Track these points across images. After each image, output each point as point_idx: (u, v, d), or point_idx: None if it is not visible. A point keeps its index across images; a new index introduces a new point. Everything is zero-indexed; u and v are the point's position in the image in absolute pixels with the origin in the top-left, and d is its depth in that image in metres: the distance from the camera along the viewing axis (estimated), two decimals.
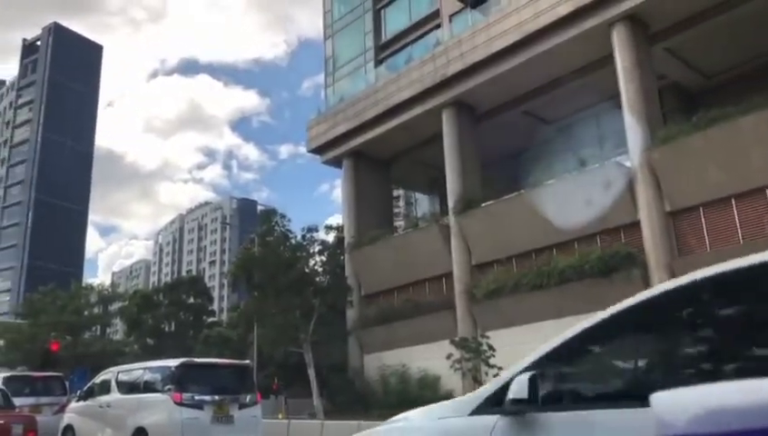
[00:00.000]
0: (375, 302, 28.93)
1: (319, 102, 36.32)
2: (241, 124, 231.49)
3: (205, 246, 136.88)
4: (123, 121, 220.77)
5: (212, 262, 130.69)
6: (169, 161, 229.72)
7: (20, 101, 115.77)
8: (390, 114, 28.69)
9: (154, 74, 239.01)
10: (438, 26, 31.25)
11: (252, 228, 48.51)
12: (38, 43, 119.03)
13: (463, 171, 26.37)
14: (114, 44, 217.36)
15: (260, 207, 50.06)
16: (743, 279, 2.17)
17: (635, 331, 2.52)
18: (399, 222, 39.25)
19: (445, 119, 27.07)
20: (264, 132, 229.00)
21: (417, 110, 27.80)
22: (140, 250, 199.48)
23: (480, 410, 2.76)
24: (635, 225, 20.60)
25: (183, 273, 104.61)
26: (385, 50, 34.45)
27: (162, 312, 45.24)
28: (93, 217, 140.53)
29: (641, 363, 2.50)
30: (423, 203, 47.66)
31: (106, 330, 57.18)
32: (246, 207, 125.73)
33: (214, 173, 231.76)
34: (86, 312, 50.78)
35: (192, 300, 47.54)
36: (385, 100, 28.77)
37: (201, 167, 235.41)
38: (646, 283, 19.01)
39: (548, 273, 21.33)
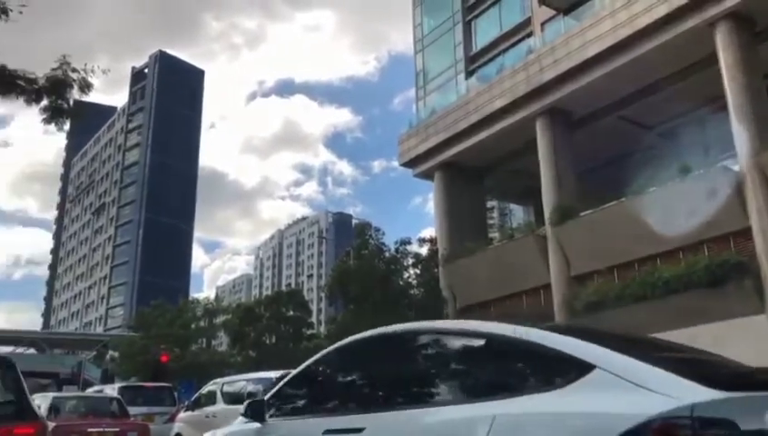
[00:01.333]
0: (471, 315, 28.64)
1: (410, 116, 36.61)
2: (335, 141, 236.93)
3: (303, 260, 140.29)
4: (225, 142, 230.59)
5: (310, 276, 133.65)
6: (268, 179, 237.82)
7: (130, 126, 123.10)
8: (482, 125, 28.47)
9: (253, 96, 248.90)
10: (530, 35, 30.81)
11: (348, 242, 49.25)
12: (145, 70, 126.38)
13: (558, 179, 25.77)
14: (215, 69, 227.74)
15: (354, 221, 50.83)
16: (425, 334, 3.73)
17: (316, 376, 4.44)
18: (494, 234, 38.68)
19: (539, 127, 26.58)
20: (357, 148, 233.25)
21: (509, 119, 27.45)
22: (242, 265, 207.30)
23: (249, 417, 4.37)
24: (746, 232, 19.42)
25: (283, 287, 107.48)
26: (476, 61, 34.29)
27: (263, 325, 46.53)
28: (198, 234, 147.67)
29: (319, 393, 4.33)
30: (518, 214, 46.86)
31: (212, 342, 59.38)
32: (341, 221, 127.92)
33: (310, 189, 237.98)
34: (193, 325, 53.05)
35: (291, 313, 48.64)
36: (477, 111, 28.58)
37: (297, 184, 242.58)
38: (760, 294, 17.86)
39: (652, 284, 20.42)
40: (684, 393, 2.35)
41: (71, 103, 12.89)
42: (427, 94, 35.87)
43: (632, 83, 24.06)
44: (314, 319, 74.78)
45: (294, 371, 4.56)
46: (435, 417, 3.06)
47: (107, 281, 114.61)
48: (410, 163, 33.06)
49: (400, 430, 3.23)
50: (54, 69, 12.36)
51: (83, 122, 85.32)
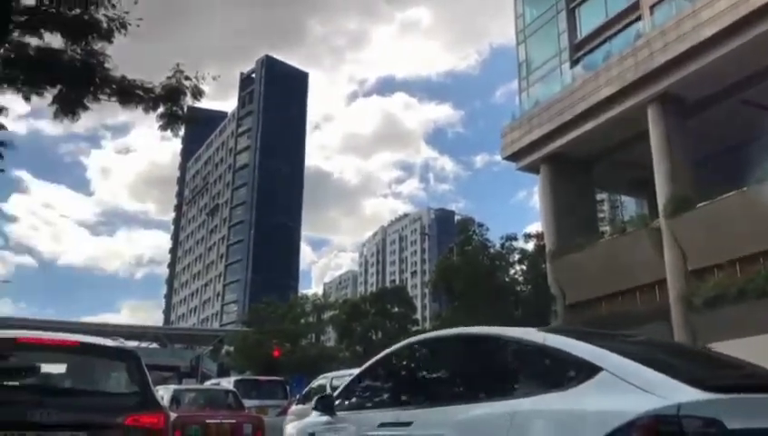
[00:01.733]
0: (581, 312, 27.73)
1: (512, 108, 35.90)
2: (436, 137, 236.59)
3: (406, 257, 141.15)
4: (329, 142, 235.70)
5: (414, 273, 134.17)
6: (370, 177, 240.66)
7: (240, 129, 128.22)
8: (589, 115, 27.52)
9: (354, 96, 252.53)
10: (638, 19, 29.44)
11: (450, 238, 49.02)
12: (253, 75, 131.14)
13: (673, 169, 24.49)
14: (319, 71, 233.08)
15: (457, 217, 50.55)
16: (445, 341, 4.38)
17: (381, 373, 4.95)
18: (605, 228, 37.33)
19: (651, 115, 25.37)
20: (459, 143, 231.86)
21: (618, 108, 26.38)
22: (347, 261, 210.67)
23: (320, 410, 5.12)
24: None
25: (387, 283, 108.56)
26: (581, 49, 33.17)
27: (369, 321, 47.18)
28: (305, 232, 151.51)
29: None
30: (630, 206, 45.01)
31: (320, 337, 60.83)
32: (444, 218, 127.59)
33: (412, 186, 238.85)
34: (303, 321, 54.53)
35: (396, 309, 49.04)
36: (583, 100, 27.66)
37: (399, 181, 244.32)
38: None
39: None
40: (673, 394, 2.66)
41: (185, 109, 13.54)
42: (530, 86, 35.07)
43: (754, 64, 22.50)
44: (419, 315, 75.03)
45: (357, 371, 5.37)
46: (466, 414, 3.49)
47: (222, 278, 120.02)
48: (514, 157, 32.46)
49: (440, 424, 3.65)
50: (168, 78, 13.04)
51: (197, 127, 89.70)
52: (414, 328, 53.26)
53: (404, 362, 4.78)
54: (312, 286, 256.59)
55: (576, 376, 3.08)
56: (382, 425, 4.16)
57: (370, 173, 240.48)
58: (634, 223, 28.94)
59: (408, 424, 3.89)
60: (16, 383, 5.03)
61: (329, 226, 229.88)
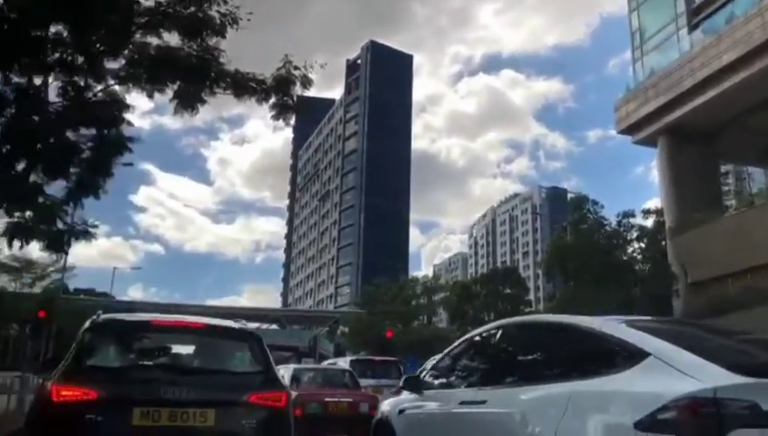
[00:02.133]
0: (705, 290, 26.24)
1: (626, 80, 34.20)
2: (545, 114, 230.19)
3: (517, 237, 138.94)
4: (435, 124, 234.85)
5: (525, 253, 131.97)
6: (478, 157, 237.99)
7: (347, 116, 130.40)
8: (711, 82, 25.85)
9: (460, 76, 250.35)
10: None
11: (563, 217, 47.74)
12: (358, 61, 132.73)
13: None
14: (424, 53, 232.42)
15: (569, 195, 48.99)
16: (526, 327, 4.83)
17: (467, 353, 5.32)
18: (730, 201, 35.07)
19: None
20: (570, 118, 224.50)
21: (743, 73, 24.59)
22: (456, 244, 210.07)
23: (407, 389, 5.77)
24: None
25: (498, 264, 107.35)
26: (700, 13, 31.10)
27: (480, 302, 46.99)
28: (414, 215, 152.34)
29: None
30: (759, 178, 42.01)
31: (432, 319, 61.21)
32: (555, 196, 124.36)
33: (521, 165, 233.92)
34: (413, 303, 55.11)
35: (507, 290, 48.53)
36: (704, 67, 26.00)
37: (508, 161, 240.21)
38: None
39: None
40: (711, 377, 2.90)
41: (295, 98, 13.96)
42: (644, 55, 33.32)
43: None
44: (531, 296, 73.78)
45: (440, 355, 5.95)
46: (531, 394, 3.90)
47: (335, 262, 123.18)
48: (629, 130, 31.06)
49: (509, 403, 4.03)
50: (278, 69, 13.47)
51: (307, 115, 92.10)
52: (527, 309, 52.53)
53: (479, 347, 5.22)
54: (422, 269, 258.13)
55: (627, 361, 3.39)
56: (462, 403, 4.64)
57: (478, 153, 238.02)
58: (763, 196, 26.99)
59: (483, 402, 4.36)
60: (151, 363, 5.40)
61: (438, 209, 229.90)
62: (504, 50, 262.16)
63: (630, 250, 27.43)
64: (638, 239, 27.51)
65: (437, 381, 5.51)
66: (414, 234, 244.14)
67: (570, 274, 26.51)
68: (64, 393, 4.53)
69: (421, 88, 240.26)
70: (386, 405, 6.16)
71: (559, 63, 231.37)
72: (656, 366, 3.20)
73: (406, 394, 5.75)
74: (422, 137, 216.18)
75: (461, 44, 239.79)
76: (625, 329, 3.69)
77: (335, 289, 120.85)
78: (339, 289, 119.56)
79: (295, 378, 12.08)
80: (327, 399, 10.54)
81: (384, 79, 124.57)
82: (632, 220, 27.65)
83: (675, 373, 3.06)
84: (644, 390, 3.11)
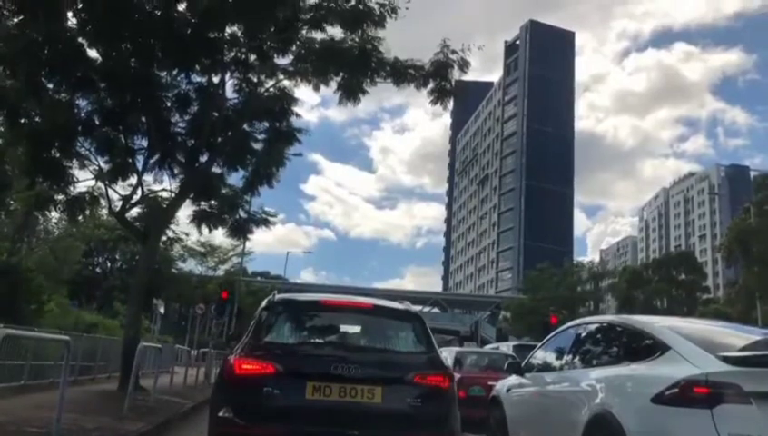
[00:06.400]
0: None
1: None
2: (724, 88, 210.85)
3: (693, 220, 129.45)
4: (601, 103, 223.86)
5: (702, 237, 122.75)
6: (648, 137, 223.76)
7: (506, 98, 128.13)
8: None
9: (626, 53, 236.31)
10: None
11: (746, 197, 43.76)
12: (517, 42, 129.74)
13: None
14: (587, 30, 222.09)
15: (753, 173, 44.68)
16: (592, 325, 6.18)
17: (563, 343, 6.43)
18: None
19: None
20: (753, 91, 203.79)
21: None
22: (625, 227, 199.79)
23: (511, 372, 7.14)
24: None
25: (671, 249, 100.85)
26: None
27: (652, 288, 44.58)
28: (578, 198, 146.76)
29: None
30: None
31: (599, 305, 58.97)
32: (736, 175, 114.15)
33: (697, 143, 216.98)
34: (579, 289, 53.36)
35: (683, 276, 45.58)
36: None
37: (682, 139, 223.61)
38: None
39: None
40: (707, 365, 3.99)
41: (452, 83, 14.03)
42: None
43: None
44: (710, 283, 68.60)
45: (538, 345, 7.47)
46: (593, 375, 5.12)
47: (495, 246, 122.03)
48: None
49: (581, 382, 5.25)
50: (436, 54, 13.60)
51: (464, 100, 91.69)
52: (704, 296, 48.97)
53: (562, 340, 6.51)
54: (588, 254, 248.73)
55: (655, 352, 4.56)
56: (550, 383, 6.03)
57: (647, 132, 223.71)
58: None
59: (563, 382, 5.74)
60: (321, 340, 5.68)
61: (604, 191, 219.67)
62: (675, 23, 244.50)
63: None
64: None
65: (534, 367, 6.79)
66: (579, 218, 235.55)
67: (754, 259, 24.27)
68: (245, 367, 4.90)
69: (584, 67, 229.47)
70: (498, 385, 7.45)
71: (740, 33, 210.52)
72: (674, 357, 4.34)
73: (513, 377, 7.08)
74: (587, 117, 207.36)
75: (627, 19, 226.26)
76: (659, 328, 4.85)
77: (496, 274, 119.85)
78: (500, 274, 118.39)
79: (458, 360, 12.19)
80: (490, 382, 10.54)
81: (544, 58, 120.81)
82: None
83: (684, 362, 4.19)
84: (661, 373, 4.21)
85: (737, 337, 4.78)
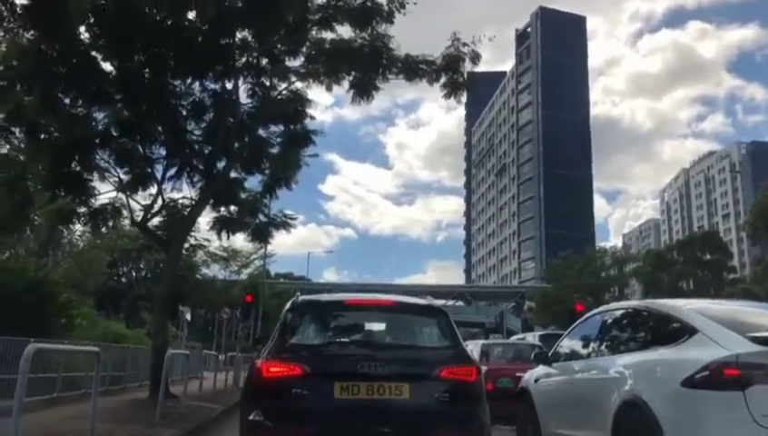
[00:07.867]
0: None
1: None
2: (741, 64, 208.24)
3: (715, 199, 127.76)
4: (615, 87, 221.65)
5: (725, 216, 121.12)
6: (665, 118, 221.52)
7: (520, 87, 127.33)
8: None
9: (639, 34, 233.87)
10: None
11: None
12: (528, 30, 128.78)
13: None
14: (597, 14, 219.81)
15: None
16: (618, 311, 6.12)
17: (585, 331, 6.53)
18: None
19: None
20: None
21: None
22: (647, 210, 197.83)
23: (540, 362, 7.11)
24: None
25: (694, 229, 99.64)
26: None
27: (677, 271, 44.12)
28: (597, 184, 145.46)
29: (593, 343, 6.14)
30: None
31: (624, 290, 58.46)
32: (758, 152, 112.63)
33: (715, 122, 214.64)
34: (603, 274, 52.93)
35: (708, 256, 45.02)
36: None
37: (700, 118, 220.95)
38: None
39: None
40: (737, 347, 3.98)
41: (465, 75, 13.97)
42: None
43: None
44: (735, 262, 67.65)
45: (564, 333, 7.40)
46: (621, 361, 5.13)
47: (516, 236, 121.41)
48: None
49: (608, 369, 5.27)
50: (447, 47, 13.56)
51: (478, 91, 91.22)
52: (731, 276, 48.32)
53: (588, 328, 6.48)
54: (610, 239, 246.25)
55: (683, 335, 4.56)
56: (577, 371, 6.03)
57: (665, 113, 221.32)
58: None
59: (590, 370, 5.75)
60: (347, 339, 5.67)
61: (623, 175, 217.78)
62: (688, 1, 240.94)
63: None
64: None
65: (561, 355, 6.79)
66: (599, 204, 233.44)
67: None
68: (272, 370, 4.93)
69: (597, 51, 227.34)
70: (527, 375, 7.43)
71: (755, 7, 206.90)
72: (702, 339, 4.32)
73: (540, 367, 7.08)
74: (602, 102, 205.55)
75: (639, 0, 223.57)
76: (686, 311, 4.83)
77: (518, 264, 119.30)
78: (523, 263, 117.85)
79: (484, 353, 12.16)
80: (518, 373, 10.50)
81: (556, 45, 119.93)
82: None
83: (713, 344, 4.16)
84: (690, 357, 4.20)
85: (766, 317, 4.78)
